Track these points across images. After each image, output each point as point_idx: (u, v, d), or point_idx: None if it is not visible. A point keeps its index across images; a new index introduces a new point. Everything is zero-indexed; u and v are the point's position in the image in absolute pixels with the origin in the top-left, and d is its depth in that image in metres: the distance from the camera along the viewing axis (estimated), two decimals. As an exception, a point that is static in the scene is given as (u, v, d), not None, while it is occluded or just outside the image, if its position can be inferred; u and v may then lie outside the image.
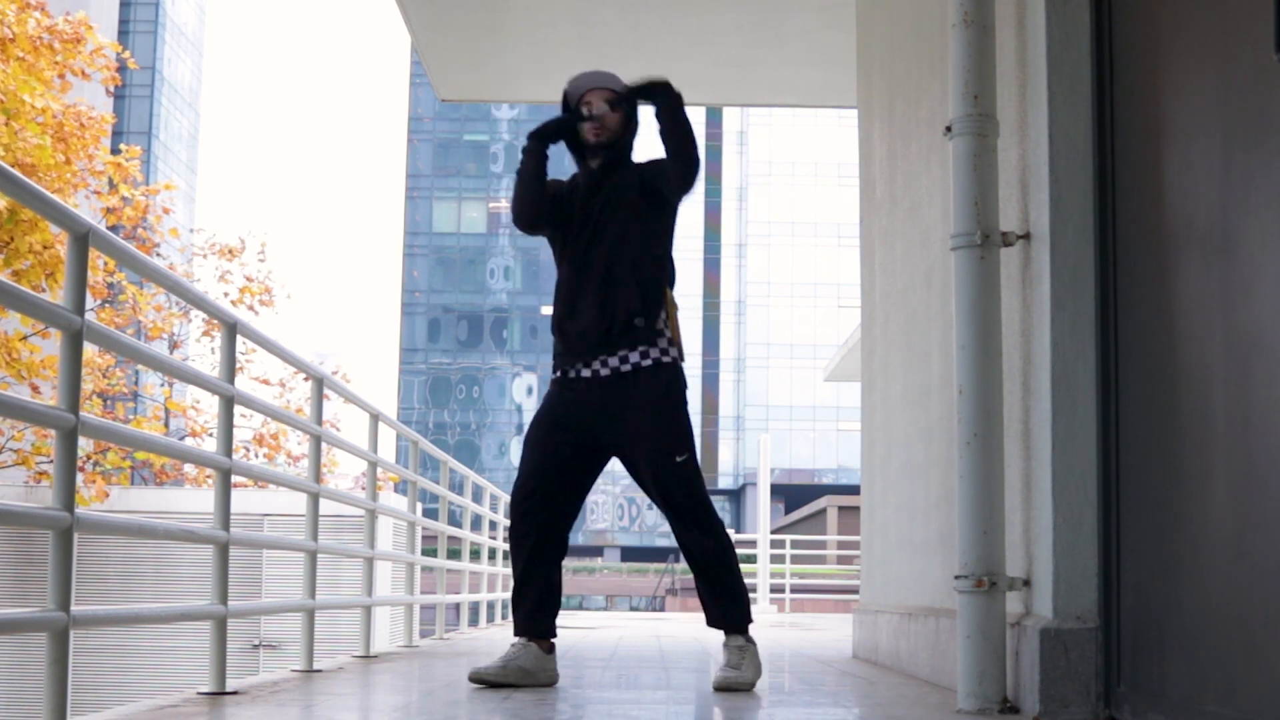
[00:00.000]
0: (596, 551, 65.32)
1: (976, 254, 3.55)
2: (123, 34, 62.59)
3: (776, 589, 17.90)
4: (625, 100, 4.32)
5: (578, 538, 64.94)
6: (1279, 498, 2.52)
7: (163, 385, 26.94)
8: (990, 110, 3.60)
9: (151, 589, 14.63)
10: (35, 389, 15.07)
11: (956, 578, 3.50)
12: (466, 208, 72.03)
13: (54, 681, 2.88)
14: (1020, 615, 3.55)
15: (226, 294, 23.52)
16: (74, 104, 15.23)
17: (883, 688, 4.42)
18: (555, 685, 4.28)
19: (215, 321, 4.49)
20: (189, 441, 22.71)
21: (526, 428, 4.39)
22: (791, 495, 56.58)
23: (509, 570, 4.40)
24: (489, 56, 8.61)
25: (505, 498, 10.25)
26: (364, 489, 6.31)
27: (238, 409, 4.34)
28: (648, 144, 4.00)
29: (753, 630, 4.33)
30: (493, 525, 11.27)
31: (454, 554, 19.62)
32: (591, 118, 4.30)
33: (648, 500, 4.39)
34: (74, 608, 2.90)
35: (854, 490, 22.48)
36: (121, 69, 16.94)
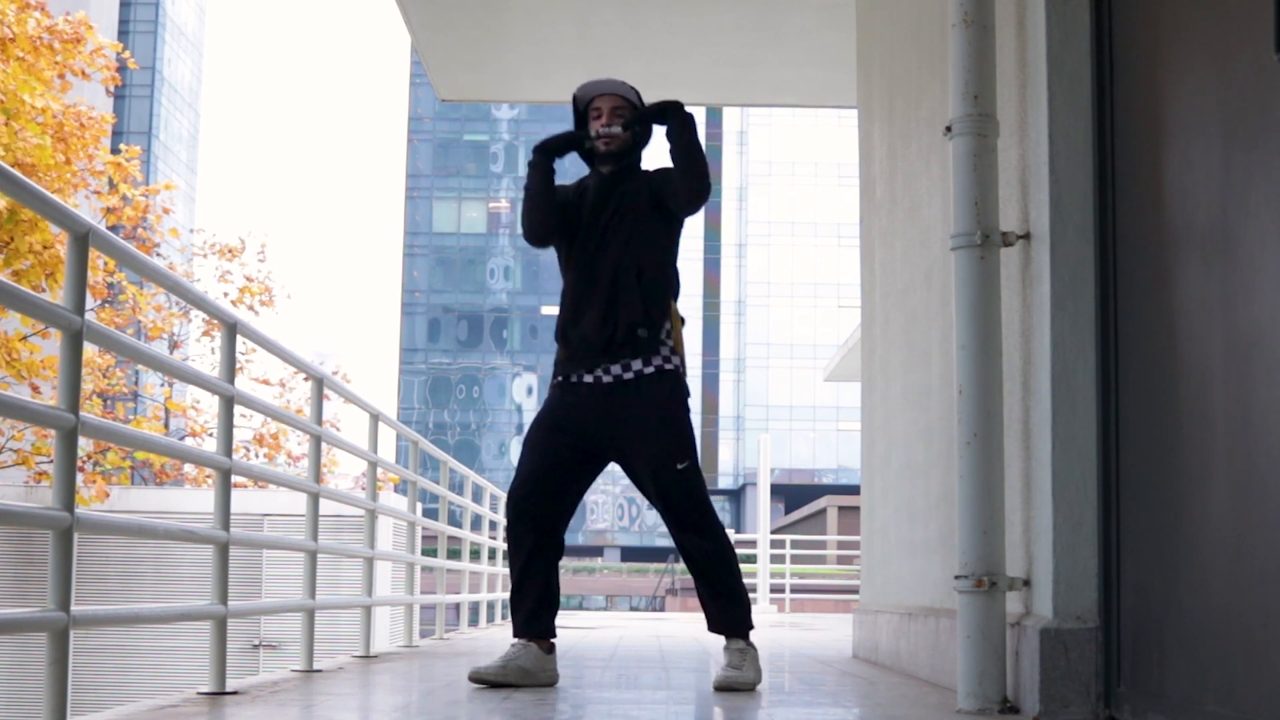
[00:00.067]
0: (596, 551, 65.32)
1: (976, 254, 3.55)
2: (123, 34, 62.59)
3: (776, 589, 17.90)
4: (636, 123, 4.32)
5: (578, 538, 64.97)
6: (1279, 498, 2.52)
7: (163, 385, 26.95)
8: (990, 110, 3.60)
9: (151, 589, 14.63)
10: (35, 389, 15.07)
11: (956, 578, 3.50)
12: (466, 208, 72.04)
13: (54, 681, 2.88)
14: (1020, 615, 3.55)
15: (226, 294, 23.53)
16: (74, 104, 15.23)
17: (883, 688, 4.42)
18: (555, 685, 4.28)
19: (215, 321, 4.49)
20: (189, 441, 22.72)
21: (527, 429, 4.39)
22: (791, 495, 56.59)
23: (508, 570, 4.40)
24: (489, 56, 8.61)
25: (505, 498, 10.24)
26: (364, 489, 6.31)
27: (238, 409, 4.35)
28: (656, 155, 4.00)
29: (753, 635, 4.32)
30: (493, 525, 11.27)
31: (454, 554, 19.63)
32: (599, 135, 4.30)
33: (648, 501, 4.38)
34: (74, 608, 2.90)
35: (854, 490, 22.50)
36: (121, 69, 16.95)
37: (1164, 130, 3.12)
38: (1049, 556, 3.39)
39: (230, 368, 4.13)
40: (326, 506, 6.57)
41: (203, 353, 24.13)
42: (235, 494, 9.93)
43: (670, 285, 4.33)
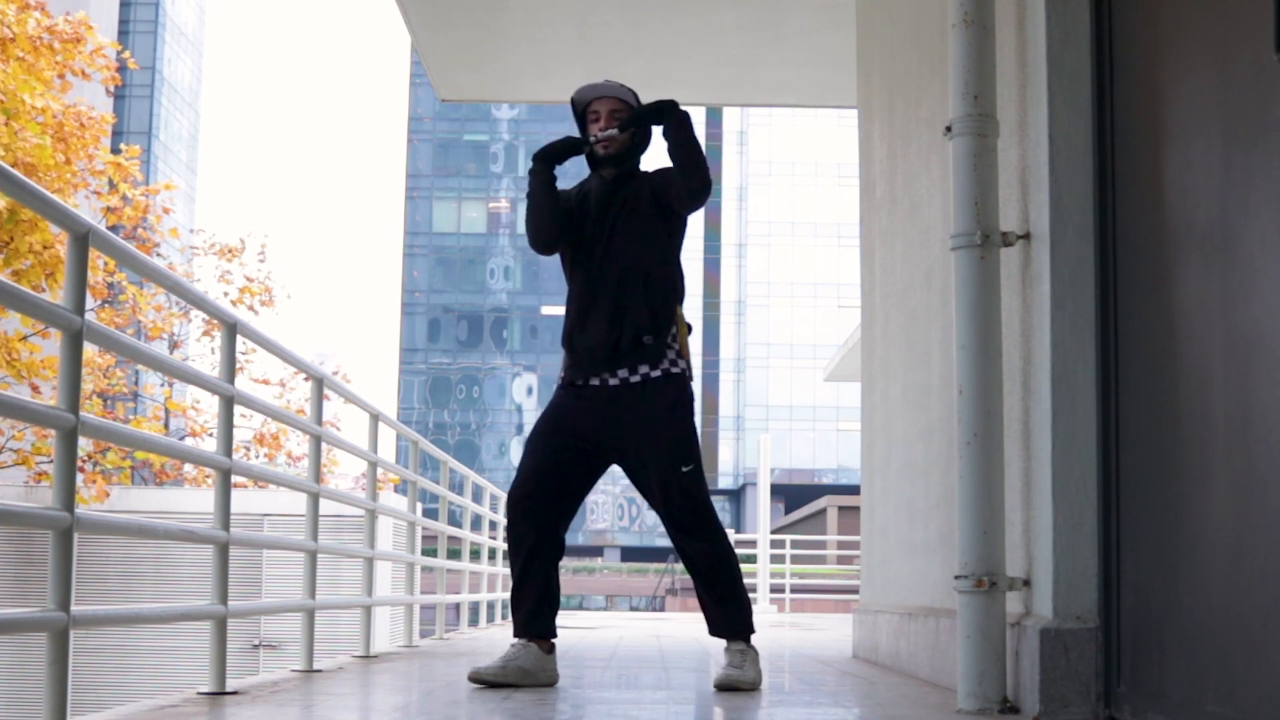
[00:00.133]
0: (596, 551, 65.31)
1: (976, 254, 3.55)
2: (123, 34, 62.61)
3: (776, 589, 17.90)
4: (633, 123, 4.32)
5: (578, 538, 64.95)
6: (1279, 497, 2.52)
7: (163, 385, 26.94)
8: (990, 110, 3.60)
9: (151, 589, 14.63)
10: (35, 389, 15.07)
11: (956, 578, 3.50)
12: (466, 208, 72.03)
13: (54, 681, 2.88)
14: (1020, 615, 3.55)
15: (226, 294, 23.52)
16: (74, 104, 15.22)
17: (883, 688, 4.42)
18: (555, 685, 4.28)
19: (215, 321, 4.49)
20: (189, 441, 22.72)
21: (528, 428, 4.39)
22: (791, 495, 56.58)
23: (508, 570, 4.40)
24: (489, 56, 8.61)
25: (505, 497, 10.24)
26: (364, 489, 6.32)
27: (238, 409, 4.34)
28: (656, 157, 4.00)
29: (753, 636, 4.32)
30: (493, 525, 11.27)
31: (454, 554, 19.63)
32: (598, 139, 4.30)
33: (649, 503, 4.38)
34: (74, 608, 2.90)
35: (854, 490, 22.49)
36: (121, 69, 16.95)
37: (1164, 130, 3.12)
38: (1049, 556, 3.39)
39: (230, 368, 4.13)
40: (326, 506, 6.57)
41: (203, 353, 24.13)
42: (235, 494, 9.93)
43: (675, 289, 4.32)
